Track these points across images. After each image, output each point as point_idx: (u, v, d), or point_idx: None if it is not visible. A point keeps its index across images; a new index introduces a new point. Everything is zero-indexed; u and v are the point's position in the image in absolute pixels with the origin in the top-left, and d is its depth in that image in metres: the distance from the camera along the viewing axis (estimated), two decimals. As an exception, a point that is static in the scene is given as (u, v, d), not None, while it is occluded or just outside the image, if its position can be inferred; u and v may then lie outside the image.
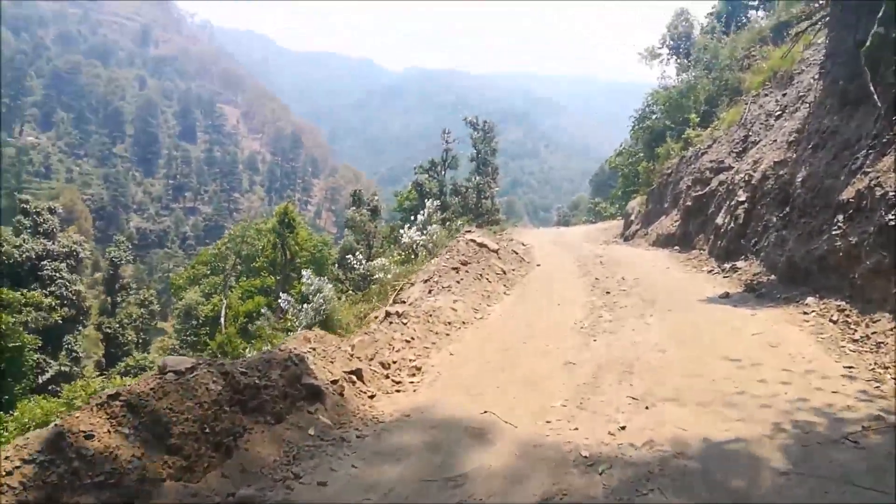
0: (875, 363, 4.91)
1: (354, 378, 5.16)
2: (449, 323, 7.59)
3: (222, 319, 38.02)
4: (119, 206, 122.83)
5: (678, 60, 26.64)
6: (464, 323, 7.83)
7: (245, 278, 47.29)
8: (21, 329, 27.37)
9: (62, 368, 35.23)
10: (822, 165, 8.82)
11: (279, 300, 24.39)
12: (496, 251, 12.51)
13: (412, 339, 6.67)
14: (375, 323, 7.18)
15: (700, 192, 14.94)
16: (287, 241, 34.57)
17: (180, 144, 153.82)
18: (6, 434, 13.56)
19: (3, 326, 24.73)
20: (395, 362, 5.99)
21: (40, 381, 31.77)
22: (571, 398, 4.86)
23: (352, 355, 5.45)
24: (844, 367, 4.96)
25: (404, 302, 8.91)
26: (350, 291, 29.10)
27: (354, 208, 41.15)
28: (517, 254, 14.15)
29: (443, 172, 43.39)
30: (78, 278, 42.89)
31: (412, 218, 32.31)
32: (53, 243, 39.71)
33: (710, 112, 20.58)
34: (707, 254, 13.14)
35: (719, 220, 12.87)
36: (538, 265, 14.14)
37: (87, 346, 46.36)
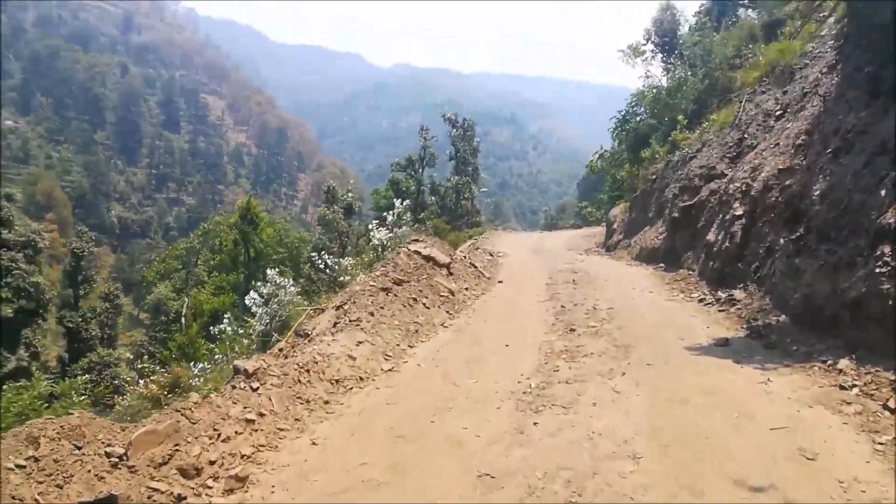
0: None
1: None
2: (336, 381, 5.40)
3: (183, 319, 35.74)
4: (100, 195, 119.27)
5: (664, 59, 24.67)
6: (361, 379, 5.64)
7: (217, 274, 45.12)
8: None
9: (20, 363, 33.16)
10: (848, 175, 6.84)
11: (247, 299, 22.69)
12: (446, 265, 10.42)
13: (262, 415, 4.48)
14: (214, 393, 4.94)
15: (688, 202, 12.96)
16: (250, 237, 32.23)
17: (163, 134, 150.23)
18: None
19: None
20: (212, 463, 3.74)
21: (-3, 375, 29.70)
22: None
23: (119, 462, 3.30)
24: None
25: (307, 335, 6.83)
26: (322, 293, 26.96)
27: (326, 206, 39.01)
28: (476, 268, 12.09)
29: (420, 171, 41.36)
30: (36, 269, 40.51)
31: (384, 217, 30.33)
32: (10, 232, 37.29)
33: (699, 113, 18.74)
34: (697, 275, 11.17)
35: (711, 237, 10.90)
36: (500, 282, 12.11)
37: (51, 340, 44.11)
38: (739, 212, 9.80)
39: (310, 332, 6.84)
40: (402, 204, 27.32)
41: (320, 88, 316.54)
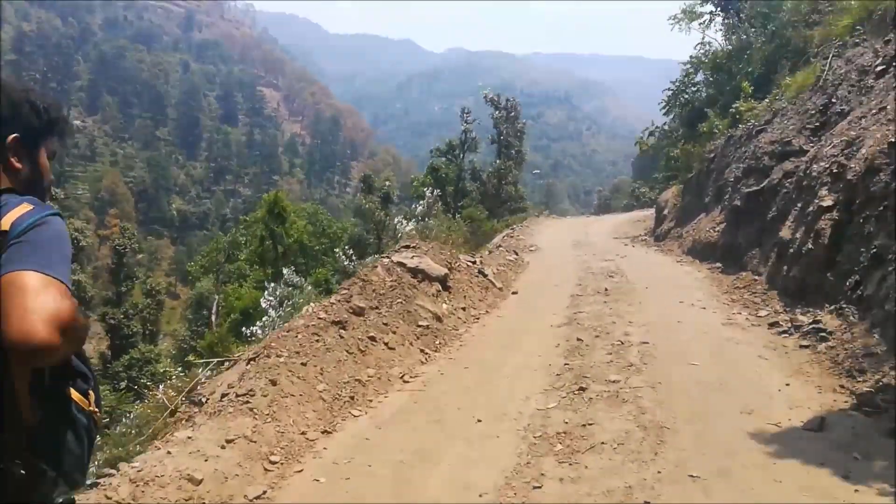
0: None
1: None
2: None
3: (213, 317, 34.84)
4: (161, 189, 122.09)
5: (725, 20, 21.41)
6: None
7: (259, 269, 44.32)
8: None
9: (62, 361, 33.24)
10: None
11: (262, 300, 21.39)
12: (440, 279, 8.27)
13: None
14: None
15: (755, 187, 10.34)
16: (277, 233, 30.88)
17: (222, 127, 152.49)
18: None
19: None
20: None
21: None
22: None
23: None
24: None
25: (201, 403, 4.85)
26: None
27: (362, 195, 37.33)
28: (485, 277, 9.88)
29: (461, 156, 39.13)
30: (77, 267, 40.59)
31: (415, 207, 28.51)
32: (50, 231, 37.35)
33: (768, 78, 15.83)
34: (766, 282, 8.65)
35: (786, 233, 8.34)
36: (514, 293, 9.87)
37: (92, 338, 44.50)
38: (828, 201, 7.22)
39: (206, 398, 4.83)
40: (432, 193, 25.23)
41: (374, 77, 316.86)
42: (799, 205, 8.32)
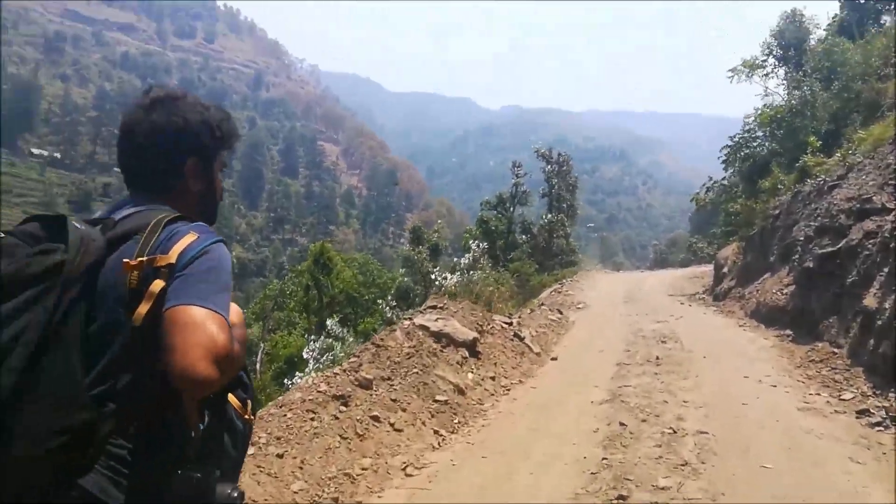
0: None
1: None
2: None
3: (258, 364, 34.62)
4: (224, 238, 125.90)
5: (788, 73, 20.45)
6: None
7: (306, 316, 44.27)
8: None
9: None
10: None
11: (304, 351, 21.10)
12: (467, 345, 7.45)
13: None
14: None
15: (830, 248, 9.16)
16: (322, 283, 30.64)
17: (283, 179, 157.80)
18: None
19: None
20: None
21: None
22: None
23: None
24: None
25: None
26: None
27: (411, 246, 36.99)
28: (521, 340, 8.98)
29: (511, 209, 38.54)
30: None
31: (460, 260, 27.94)
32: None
33: (836, 133, 14.72)
34: (847, 356, 7.44)
35: (871, 301, 7.18)
36: (553, 359, 8.91)
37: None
38: (922, 267, 6.11)
39: None
40: (478, 247, 24.61)
41: (431, 132, 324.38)
42: (885, 269, 7.18)
